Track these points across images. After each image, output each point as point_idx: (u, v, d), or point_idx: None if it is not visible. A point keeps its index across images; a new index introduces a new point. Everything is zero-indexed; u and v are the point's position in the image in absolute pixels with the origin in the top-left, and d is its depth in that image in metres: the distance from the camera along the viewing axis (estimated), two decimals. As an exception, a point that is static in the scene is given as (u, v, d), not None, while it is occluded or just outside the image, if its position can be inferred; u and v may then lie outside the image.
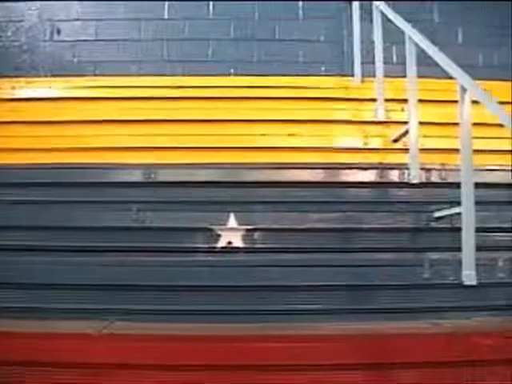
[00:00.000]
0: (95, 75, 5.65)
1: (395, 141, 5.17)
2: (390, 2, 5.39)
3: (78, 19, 5.92)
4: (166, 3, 6.08)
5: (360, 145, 5.25)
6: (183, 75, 5.61)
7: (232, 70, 5.83)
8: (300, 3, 6.28)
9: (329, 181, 4.80)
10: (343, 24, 6.25)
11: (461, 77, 4.07)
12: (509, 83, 6.03)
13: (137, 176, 4.70)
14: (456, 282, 3.96)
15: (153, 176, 4.69)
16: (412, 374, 3.14)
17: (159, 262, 4.24)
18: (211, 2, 6.18)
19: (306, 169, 4.81)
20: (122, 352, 3.16)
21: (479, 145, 4.46)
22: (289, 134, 5.16)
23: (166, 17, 6.06)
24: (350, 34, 6.05)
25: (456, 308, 3.87)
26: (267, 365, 3.11)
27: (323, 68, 6.11)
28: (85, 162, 4.74)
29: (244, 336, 3.31)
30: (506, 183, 4.83)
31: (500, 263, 4.11)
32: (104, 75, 5.60)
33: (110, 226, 4.41)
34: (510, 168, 4.91)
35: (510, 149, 4.83)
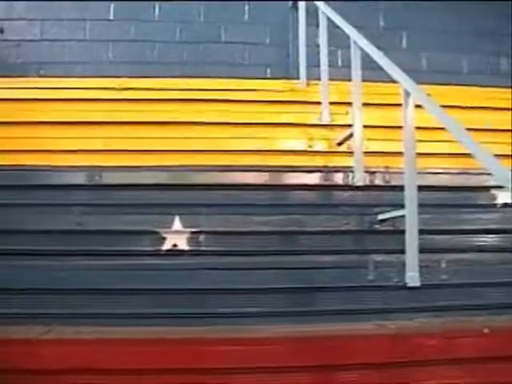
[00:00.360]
0: (39, 76, 5.57)
1: (340, 144, 5.20)
2: (337, 7, 5.41)
3: (22, 19, 5.84)
4: (112, 4, 6.03)
5: (305, 147, 5.26)
6: (129, 77, 5.57)
7: (178, 72, 5.80)
8: (246, 6, 6.29)
9: (274, 183, 4.80)
10: (289, 27, 6.28)
11: (404, 81, 4.11)
12: (453, 87, 6.13)
13: (81, 178, 4.63)
14: (400, 283, 4.00)
15: (97, 178, 4.63)
16: (357, 375, 3.15)
17: (103, 266, 4.18)
18: (157, 4, 6.15)
19: (251, 171, 4.81)
20: (62, 357, 3.11)
21: (423, 148, 4.51)
22: (234, 137, 5.15)
23: (111, 18, 6.01)
24: (296, 38, 6.08)
25: (400, 309, 3.90)
26: (209, 368, 3.10)
27: (269, 71, 6.14)
28: (28, 163, 4.66)
29: (186, 339, 3.28)
30: (448, 186, 4.90)
31: (443, 265, 4.16)
32: (48, 76, 5.53)
33: (52, 229, 4.33)
34: (453, 171, 4.99)
35: (452, 152, 4.91)
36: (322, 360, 3.13)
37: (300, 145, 5.26)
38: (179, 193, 4.57)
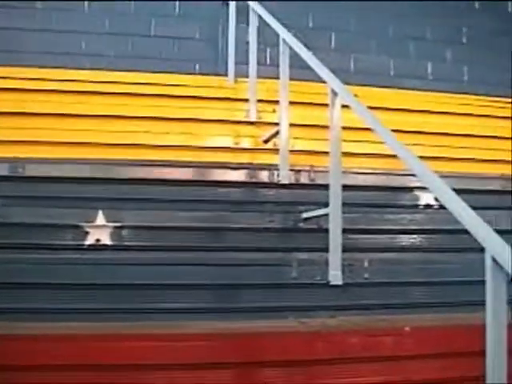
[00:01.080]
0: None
1: (266, 141, 5.21)
2: (268, 5, 5.42)
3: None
4: (39, -7, 5.92)
5: (231, 144, 5.26)
6: (54, 67, 5.46)
7: (105, 65, 5.72)
8: (177, 1, 6.26)
9: (200, 179, 4.77)
10: (219, 23, 6.26)
11: (332, 81, 4.13)
12: (380, 89, 6.20)
13: (4, 170, 4.52)
14: (323, 281, 4.01)
15: (20, 171, 4.53)
16: (279, 371, 3.16)
17: (25, 259, 4.08)
18: (87, -4, 6.07)
19: (178, 167, 4.77)
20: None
21: (348, 148, 4.55)
22: (161, 132, 5.11)
23: (39, 6, 5.89)
24: (226, 34, 6.06)
25: (323, 307, 3.92)
26: (128, 364, 3.06)
27: (198, 66, 6.10)
28: None
29: (109, 335, 3.24)
30: (373, 186, 4.95)
31: (366, 264, 4.20)
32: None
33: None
34: (377, 171, 5.05)
35: (377, 152, 4.97)
36: (245, 357, 3.13)
37: (227, 141, 5.26)
38: (103, 187, 4.50)
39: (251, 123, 5.43)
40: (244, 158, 5.12)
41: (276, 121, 4.97)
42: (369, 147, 5.10)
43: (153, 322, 3.49)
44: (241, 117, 5.47)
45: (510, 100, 6.76)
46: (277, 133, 4.89)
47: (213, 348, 3.12)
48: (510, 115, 6.42)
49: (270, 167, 4.87)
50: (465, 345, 3.24)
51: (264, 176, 4.89)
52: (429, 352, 3.34)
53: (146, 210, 4.40)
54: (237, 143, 5.30)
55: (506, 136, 6.08)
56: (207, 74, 5.98)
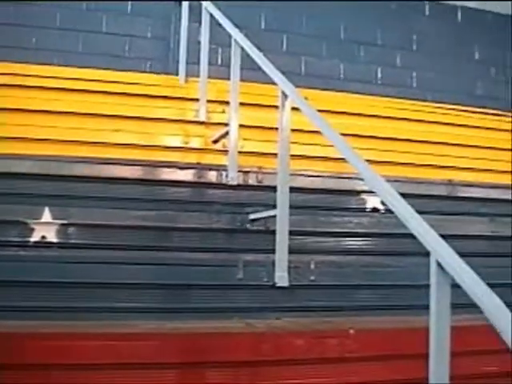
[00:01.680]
0: None
1: (215, 142, 5.20)
2: (221, 6, 5.41)
3: None
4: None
5: (181, 144, 5.25)
6: (3, 61, 5.39)
7: (56, 60, 5.66)
8: (130, -3, 6.23)
9: (149, 178, 4.74)
10: (171, 22, 6.24)
11: (282, 83, 4.14)
12: (330, 92, 6.25)
13: None
14: (269, 283, 4.02)
15: (-37, 166, 4.44)
16: (225, 372, 3.14)
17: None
18: (38, -11, 5.99)
19: (127, 165, 4.73)
20: None
21: (297, 150, 4.58)
22: (110, 129, 5.07)
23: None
24: (178, 33, 6.05)
25: (269, 308, 3.91)
26: (76, 363, 3.01)
27: (149, 65, 6.08)
28: None
29: (50, 333, 3.18)
30: (321, 188, 4.98)
31: (312, 266, 4.21)
32: None
33: None
34: (325, 174, 5.08)
35: (326, 155, 5.00)
36: (189, 357, 3.11)
37: (176, 141, 5.24)
38: (50, 183, 4.43)
39: (201, 123, 5.42)
40: (193, 158, 5.11)
41: (226, 121, 4.97)
42: (318, 150, 5.14)
43: (98, 322, 3.44)
44: (191, 116, 5.46)
45: (455, 106, 6.88)
46: (226, 133, 4.89)
47: (157, 348, 3.09)
48: (456, 122, 6.54)
49: (219, 168, 4.86)
50: (409, 347, 3.27)
51: (212, 176, 4.87)
52: (373, 354, 3.36)
53: (94, 207, 4.34)
54: (186, 143, 5.28)
55: (452, 142, 6.19)
56: (158, 73, 5.96)
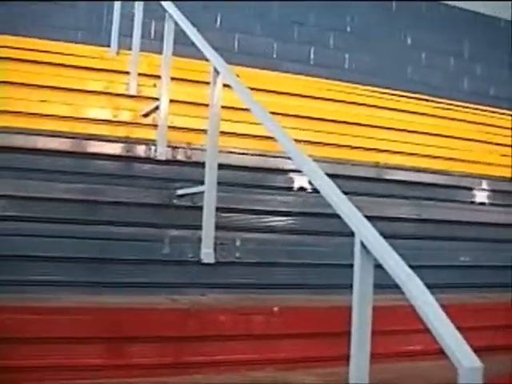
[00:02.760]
0: None
1: (145, 116, 5.15)
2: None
3: None
4: None
5: (110, 117, 5.18)
6: None
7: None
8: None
9: (76, 151, 4.66)
10: (106, -7, 6.14)
11: (215, 59, 4.12)
12: (263, 71, 6.25)
13: None
14: (195, 259, 4.02)
15: None
16: (149, 348, 3.14)
17: None
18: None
19: (55, 137, 4.65)
20: None
21: (227, 127, 4.58)
22: (40, 100, 4.98)
23: None
24: (111, 4, 5.96)
25: (194, 284, 3.91)
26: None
27: (80, 35, 5.98)
28: None
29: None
30: (249, 166, 4.99)
31: (237, 243, 4.21)
32: None
33: None
34: (254, 152, 5.09)
35: (255, 134, 5.02)
36: (113, 332, 3.09)
37: (105, 114, 5.18)
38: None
39: (131, 97, 5.37)
40: (122, 132, 5.05)
41: (157, 96, 4.92)
42: (247, 128, 5.14)
43: (20, 295, 3.38)
44: (121, 90, 5.40)
45: (388, 90, 6.98)
46: (156, 108, 4.85)
47: (81, 322, 3.05)
48: (390, 106, 6.63)
49: (148, 142, 4.83)
50: (332, 325, 3.32)
51: (141, 151, 4.83)
52: (297, 332, 3.40)
53: (20, 179, 4.25)
54: (116, 116, 5.22)
55: (384, 125, 6.27)
56: (89, 44, 5.86)
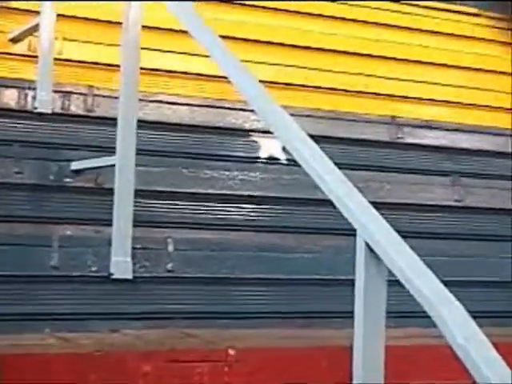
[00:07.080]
0: None
1: (15, 41, 5.12)
2: None
3: None
4: None
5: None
6: None
7: None
8: None
9: None
10: None
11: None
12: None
13: None
14: (101, 273, 4.10)
15: None
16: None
17: None
18: None
19: None
20: None
21: (151, 61, 4.62)
22: None
23: None
24: None
25: (99, 314, 3.95)
26: None
27: None
28: None
29: None
30: (188, 124, 5.02)
31: (170, 247, 4.24)
32: None
33: None
34: (195, 101, 5.14)
35: (195, 71, 5.06)
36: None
37: None
38: None
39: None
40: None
41: (36, 9, 4.90)
42: (184, 62, 5.16)
43: None
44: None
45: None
46: (36, 27, 4.82)
47: None
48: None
49: (22, 85, 4.83)
50: (321, 377, 3.40)
51: (10, 99, 4.84)
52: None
53: None
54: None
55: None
56: None
